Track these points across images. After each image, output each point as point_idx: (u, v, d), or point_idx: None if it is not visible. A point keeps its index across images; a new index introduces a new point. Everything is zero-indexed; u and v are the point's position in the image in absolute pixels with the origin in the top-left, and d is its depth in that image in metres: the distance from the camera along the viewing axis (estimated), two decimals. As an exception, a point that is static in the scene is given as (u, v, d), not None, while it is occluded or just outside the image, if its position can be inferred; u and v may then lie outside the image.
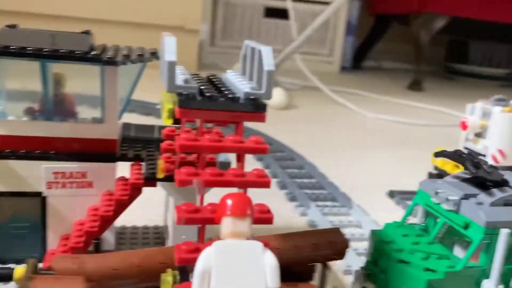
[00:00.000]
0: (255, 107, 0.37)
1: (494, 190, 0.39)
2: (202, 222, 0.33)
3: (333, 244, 0.43)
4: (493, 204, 0.37)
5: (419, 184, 0.43)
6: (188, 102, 0.36)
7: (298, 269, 0.42)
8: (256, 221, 0.32)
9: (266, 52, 0.37)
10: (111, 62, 0.46)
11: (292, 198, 0.77)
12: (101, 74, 0.47)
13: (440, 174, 0.70)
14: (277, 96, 1.31)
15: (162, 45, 0.38)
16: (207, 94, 0.37)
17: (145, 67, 0.52)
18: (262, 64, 0.37)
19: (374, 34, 2.55)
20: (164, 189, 0.50)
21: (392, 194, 0.82)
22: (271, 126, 1.03)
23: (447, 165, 0.72)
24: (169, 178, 0.46)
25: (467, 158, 0.42)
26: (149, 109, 1.12)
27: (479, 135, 0.69)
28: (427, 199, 0.42)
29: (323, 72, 2.33)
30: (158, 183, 0.48)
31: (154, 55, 0.50)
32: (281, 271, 0.30)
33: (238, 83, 0.40)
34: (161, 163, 0.46)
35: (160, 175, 0.46)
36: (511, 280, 0.39)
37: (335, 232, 0.44)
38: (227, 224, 0.30)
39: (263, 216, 0.34)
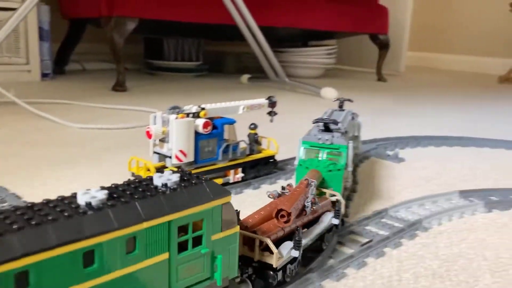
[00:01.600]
0: None
1: (335, 132, 0.79)
2: None
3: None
4: (342, 135, 0.78)
5: (303, 138, 0.78)
6: None
7: None
8: None
9: None
10: None
11: None
12: None
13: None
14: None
15: None
16: None
17: None
18: None
19: (71, 37, 2.52)
20: None
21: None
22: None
23: (141, 170, 0.82)
24: None
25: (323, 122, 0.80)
26: None
27: (163, 140, 0.82)
28: (310, 143, 0.77)
29: (24, 82, 2.19)
30: None
31: None
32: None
33: None
34: None
35: None
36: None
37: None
38: None
39: None
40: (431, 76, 3.67)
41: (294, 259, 0.57)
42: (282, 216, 0.57)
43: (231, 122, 0.89)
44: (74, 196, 0.39)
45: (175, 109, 0.82)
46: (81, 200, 0.38)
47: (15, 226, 0.33)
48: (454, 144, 1.34)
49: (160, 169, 0.81)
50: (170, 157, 0.81)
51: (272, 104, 0.99)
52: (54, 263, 0.34)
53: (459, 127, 1.63)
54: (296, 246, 0.55)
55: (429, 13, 4.46)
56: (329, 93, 2.14)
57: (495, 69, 3.91)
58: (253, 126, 0.94)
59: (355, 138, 1.00)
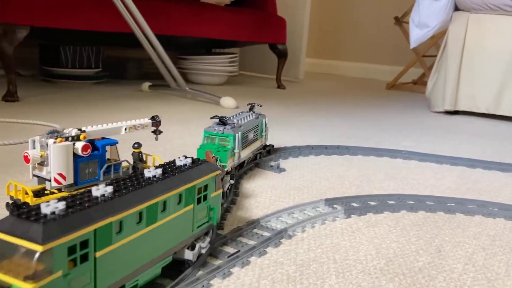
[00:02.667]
0: None
1: (228, 125, 1.10)
2: None
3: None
4: (231, 128, 1.09)
5: (205, 129, 1.09)
6: None
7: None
8: None
9: None
10: None
11: None
12: None
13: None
14: None
15: None
16: None
17: None
18: None
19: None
20: None
21: None
22: None
23: (20, 194, 0.84)
24: None
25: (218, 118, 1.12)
26: None
27: (42, 163, 0.84)
28: (209, 133, 1.07)
29: None
30: None
31: None
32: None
33: None
34: None
35: None
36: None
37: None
38: None
39: None
40: (328, 82, 3.92)
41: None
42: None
43: (113, 143, 0.93)
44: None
45: (54, 133, 0.84)
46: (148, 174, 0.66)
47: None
48: (331, 153, 1.48)
49: (40, 192, 0.83)
50: (50, 180, 0.83)
51: (156, 123, 1.04)
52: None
53: (342, 135, 1.79)
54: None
55: (326, 23, 4.74)
56: (229, 102, 2.22)
57: (385, 76, 4.26)
58: (137, 146, 0.98)
59: (257, 131, 1.29)
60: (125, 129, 0.96)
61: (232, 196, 1.02)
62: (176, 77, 2.42)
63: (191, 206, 0.70)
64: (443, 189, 1.21)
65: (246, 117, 1.23)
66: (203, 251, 0.75)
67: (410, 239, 0.89)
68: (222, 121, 1.11)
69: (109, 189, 0.56)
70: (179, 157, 0.73)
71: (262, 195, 1.07)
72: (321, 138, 1.69)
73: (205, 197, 0.73)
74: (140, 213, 0.59)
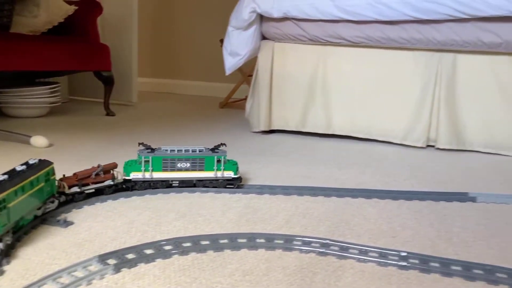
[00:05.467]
0: None
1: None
2: None
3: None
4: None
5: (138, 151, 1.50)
6: None
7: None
8: None
9: None
10: None
11: None
12: None
13: None
14: None
15: None
16: None
17: None
18: None
19: None
20: None
21: None
22: None
23: None
24: None
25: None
26: None
27: None
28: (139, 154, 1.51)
29: None
30: None
31: None
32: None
33: None
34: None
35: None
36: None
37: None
38: None
39: None
40: (164, 102, 3.97)
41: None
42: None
43: None
44: None
45: None
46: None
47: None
48: (132, 195, 1.52)
49: None
50: None
51: None
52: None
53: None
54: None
55: (162, 43, 4.80)
56: (39, 141, 2.14)
57: (222, 93, 4.45)
58: None
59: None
60: None
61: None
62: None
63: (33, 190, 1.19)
64: (225, 223, 1.33)
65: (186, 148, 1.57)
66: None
67: (170, 287, 0.97)
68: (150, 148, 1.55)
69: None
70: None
71: (35, 259, 1.07)
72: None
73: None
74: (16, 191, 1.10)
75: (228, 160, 1.59)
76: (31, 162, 1.24)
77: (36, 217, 1.24)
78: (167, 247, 1.15)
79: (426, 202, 1.57)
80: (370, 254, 1.14)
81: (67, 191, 1.38)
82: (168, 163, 1.52)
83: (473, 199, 1.59)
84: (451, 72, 2.37)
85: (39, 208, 1.24)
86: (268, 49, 2.65)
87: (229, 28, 2.62)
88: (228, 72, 2.69)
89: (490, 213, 1.48)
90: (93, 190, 1.46)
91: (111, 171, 1.49)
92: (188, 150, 1.53)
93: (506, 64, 2.29)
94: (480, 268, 1.07)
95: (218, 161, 1.56)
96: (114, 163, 1.51)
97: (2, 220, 1.04)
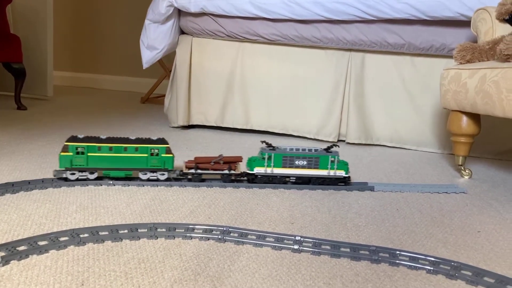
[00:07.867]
0: None
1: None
2: None
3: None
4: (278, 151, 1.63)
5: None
6: None
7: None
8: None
9: None
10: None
11: None
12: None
13: None
14: None
15: None
16: None
17: None
18: None
19: None
20: None
21: None
22: None
23: None
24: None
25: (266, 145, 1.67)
26: None
27: None
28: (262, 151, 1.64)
29: None
30: None
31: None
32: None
33: None
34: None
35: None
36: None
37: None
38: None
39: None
40: (83, 97, 3.84)
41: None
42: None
43: None
44: None
45: None
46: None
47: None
48: (32, 188, 1.47)
49: None
50: None
51: None
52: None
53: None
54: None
55: (81, 36, 4.63)
56: None
57: (145, 88, 4.38)
58: None
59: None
60: None
61: None
62: None
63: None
64: (128, 215, 1.32)
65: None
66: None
67: (61, 278, 0.96)
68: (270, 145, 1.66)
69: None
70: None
71: None
72: (45, 170, 1.66)
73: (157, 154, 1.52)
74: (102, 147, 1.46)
75: (340, 160, 1.67)
76: (153, 138, 1.55)
77: (130, 177, 1.56)
78: (63, 238, 1.13)
79: (328, 191, 1.65)
80: (267, 239, 1.19)
81: (184, 170, 1.59)
82: (288, 160, 1.62)
83: (371, 188, 1.70)
84: (360, 70, 2.51)
85: (144, 173, 1.53)
86: (186, 44, 2.65)
87: (146, 21, 2.60)
88: (145, 66, 2.66)
89: (384, 200, 1.59)
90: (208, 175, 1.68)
91: (235, 163, 1.63)
92: (305, 149, 1.64)
93: (409, 64, 2.46)
94: (366, 249, 1.15)
95: (332, 160, 1.65)
96: (240, 156, 1.64)
97: (79, 161, 1.45)
